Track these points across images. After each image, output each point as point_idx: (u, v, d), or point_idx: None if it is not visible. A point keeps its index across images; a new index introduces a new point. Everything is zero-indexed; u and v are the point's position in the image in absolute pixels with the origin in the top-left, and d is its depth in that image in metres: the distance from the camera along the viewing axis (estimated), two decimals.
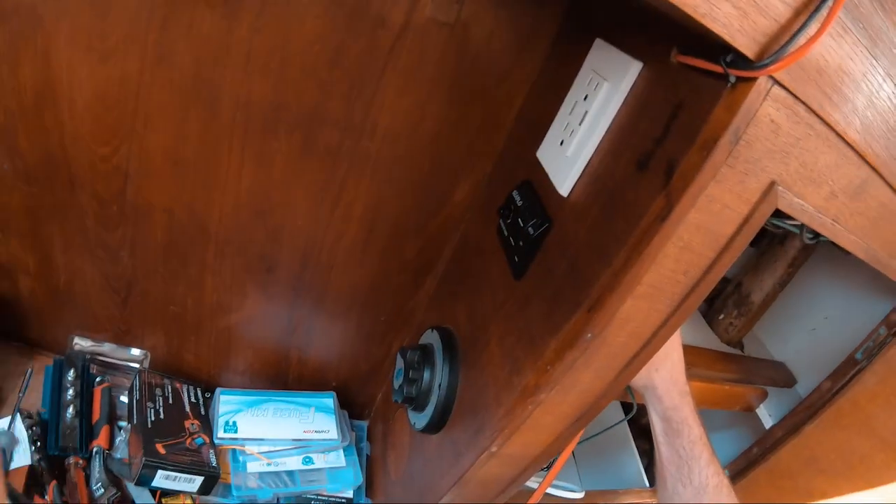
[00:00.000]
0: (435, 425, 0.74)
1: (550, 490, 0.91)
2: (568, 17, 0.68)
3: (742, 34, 0.35)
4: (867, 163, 0.48)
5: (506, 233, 0.67)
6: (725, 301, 0.98)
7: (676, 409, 0.63)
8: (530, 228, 0.60)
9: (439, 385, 0.73)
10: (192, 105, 0.71)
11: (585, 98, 0.55)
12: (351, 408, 1.10)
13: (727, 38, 0.35)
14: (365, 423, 1.09)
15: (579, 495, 0.93)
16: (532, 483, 0.91)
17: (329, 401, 1.00)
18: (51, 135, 0.71)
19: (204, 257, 0.86)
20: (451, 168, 0.81)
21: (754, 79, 0.37)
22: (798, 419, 0.83)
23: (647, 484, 1.06)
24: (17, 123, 0.70)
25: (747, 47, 0.36)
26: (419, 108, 0.74)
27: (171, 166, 0.76)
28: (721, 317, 0.98)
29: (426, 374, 0.75)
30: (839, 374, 0.81)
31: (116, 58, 0.66)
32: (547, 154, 0.62)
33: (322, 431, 0.94)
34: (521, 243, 0.62)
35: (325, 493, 0.94)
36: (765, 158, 0.42)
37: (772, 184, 0.44)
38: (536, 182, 0.65)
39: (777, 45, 0.36)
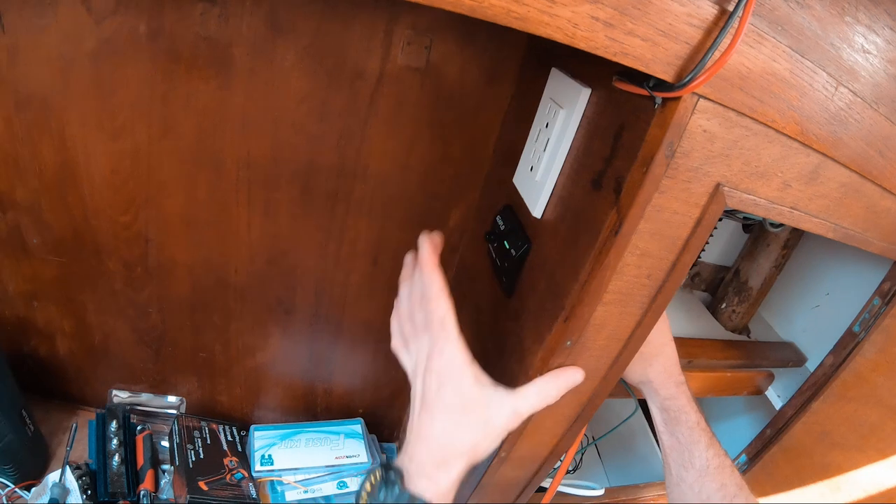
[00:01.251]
0: None
1: (570, 490, 0.92)
2: (529, 49, 0.72)
3: (656, 62, 0.38)
4: (814, 149, 0.50)
5: (493, 255, 0.70)
6: (726, 289, 1.00)
7: (673, 399, 0.65)
8: (513, 250, 0.63)
9: None
10: (198, 169, 0.76)
11: (547, 125, 0.59)
12: (380, 431, 1.13)
13: (642, 68, 0.38)
14: (394, 445, 1.13)
15: (599, 493, 0.94)
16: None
17: (357, 427, 1.03)
18: (74, 209, 0.77)
19: (226, 305, 0.91)
20: (441, 199, 0.84)
21: (679, 97, 0.40)
22: (805, 396, 0.84)
23: None
24: (41, 200, 0.76)
25: (664, 72, 0.39)
26: (404, 148, 0.78)
27: (187, 226, 0.82)
28: (724, 305, 0.99)
29: None
30: (840, 347, 0.81)
31: (125, 134, 0.72)
32: (521, 179, 0.65)
33: (353, 456, 0.98)
34: (506, 264, 0.65)
35: None
36: (706, 164, 0.45)
37: (717, 186, 0.46)
38: (516, 206, 0.68)
39: (693, 64, 0.39)
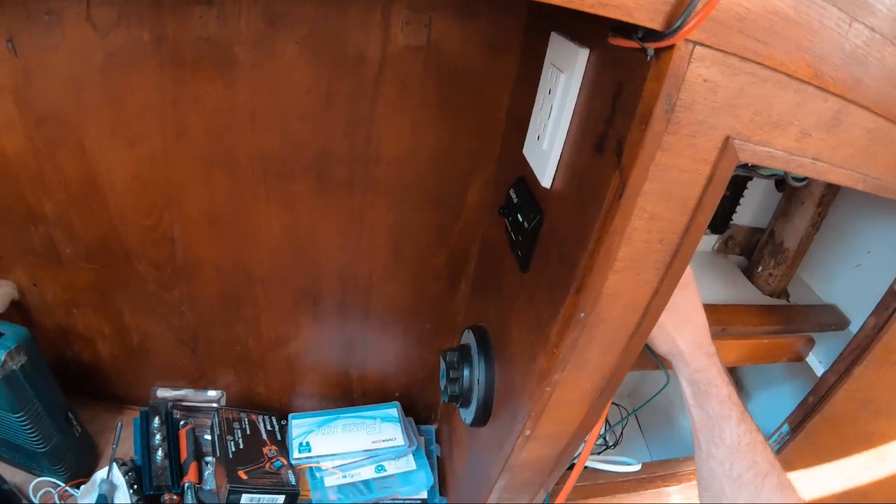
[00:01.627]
0: (480, 419, 0.76)
1: (603, 465, 0.91)
2: (530, 16, 0.69)
3: (640, 10, 0.36)
4: (832, 93, 0.46)
5: (509, 229, 0.68)
6: (761, 252, 0.95)
7: (703, 371, 0.62)
8: (525, 223, 0.62)
9: (478, 381, 0.75)
10: (214, 168, 0.77)
11: (549, 92, 0.56)
12: (417, 413, 1.14)
13: (627, 18, 0.36)
14: (432, 427, 1.13)
15: (635, 468, 0.92)
16: (591, 462, 0.91)
17: (393, 411, 1.04)
18: (100, 217, 0.79)
19: (255, 299, 0.92)
20: (458, 176, 0.83)
21: (671, 46, 0.38)
22: (847, 362, 0.79)
23: None
24: (69, 211, 0.79)
25: (650, 20, 0.36)
26: (415, 129, 0.77)
27: (210, 224, 0.83)
28: (759, 269, 0.95)
29: (465, 372, 0.77)
30: (882, 308, 0.76)
31: (141, 140, 0.73)
32: (530, 150, 0.64)
33: (389, 440, 0.98)
34: (521, 238, 0.64)
35: (399, 497, 0.98)
36: (711, 117, 0.42)
37: (727, 139, 0.44)
38: (527, 178, 0.66)
39: (682, 9, 0.37)
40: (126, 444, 0.98)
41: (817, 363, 0.87)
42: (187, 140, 0.74)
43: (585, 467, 0.89)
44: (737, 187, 0.93)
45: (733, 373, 1.18)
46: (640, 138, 0.41)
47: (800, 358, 0.89)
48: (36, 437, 0.83)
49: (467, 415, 0.79)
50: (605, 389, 0.61)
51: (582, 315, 0.51)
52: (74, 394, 0.97)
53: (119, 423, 0.99)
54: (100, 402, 1.04)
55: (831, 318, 0.90)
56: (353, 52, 0.70)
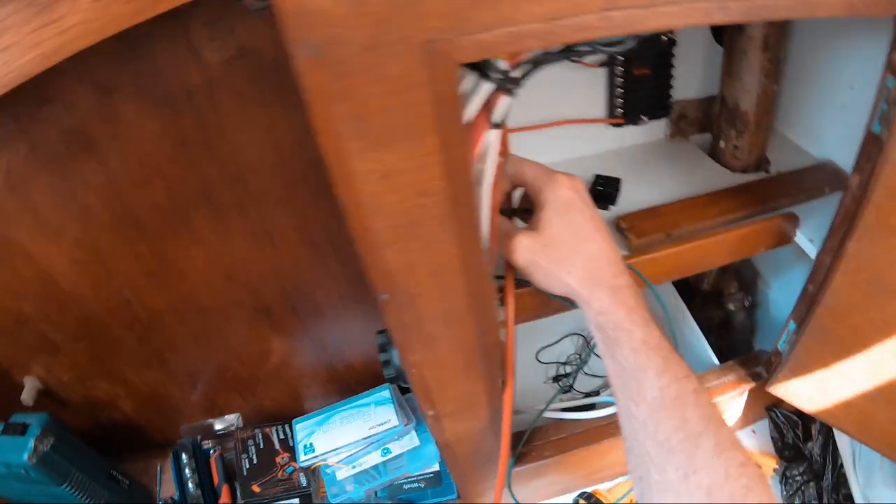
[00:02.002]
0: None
1: (585, 415, 0.83)
2: None
3: None
4: None
5: None
6: (719, 124, 0.79)
7: (607, 314, 0.50)
8: None
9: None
10: (127, 231, 0.79)
11: None
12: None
13: None
14: None
15: (613, 409, 0.84)
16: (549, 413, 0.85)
17: (385, 393, 1.03)
18: (67, 303, 0.84)
19: (216, 328, 0.95)
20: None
21: None
22: (839, 236, 0.63)
23: (717, 362, 0.92)
24: (44, 306, 0.85)
25: None
26: (270, 131, 0.74)
27: (147, 277, 0.86)
28: (722, 145, 0.79)
29: (394, 354, 0.73)
30: (863, 159, 0.60)
31: (64, 231, 0.77)
32: None
33: (384, 423, 0.98)
34: None
35: (411, 475, 0.98)
36: (382, 33, 0.32)
37: (427, 45, 0.34)
38: None
39: None
40: (169, 483, 1.06)
41: (807, 243, 0.72)
42: (96, 216, 0.76)
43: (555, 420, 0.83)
44: (658, 59, 0.77)
45: (749, 267, 1.03)
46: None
47: (787, 240, 0.74)
48: (87, 501, 0.92)
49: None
50: (486, 357, 0.54)
51: (385, 296, 0.45)
52: (119, 451, 1.07)
53: (159, 467, 1.09)
54: (142, 453, 1.14)
55: (823, 179, 0.74)
56: (179, 88, 0.67)
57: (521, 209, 0.63)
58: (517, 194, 0.64)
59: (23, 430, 0.85)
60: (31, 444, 0.83)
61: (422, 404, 0.59)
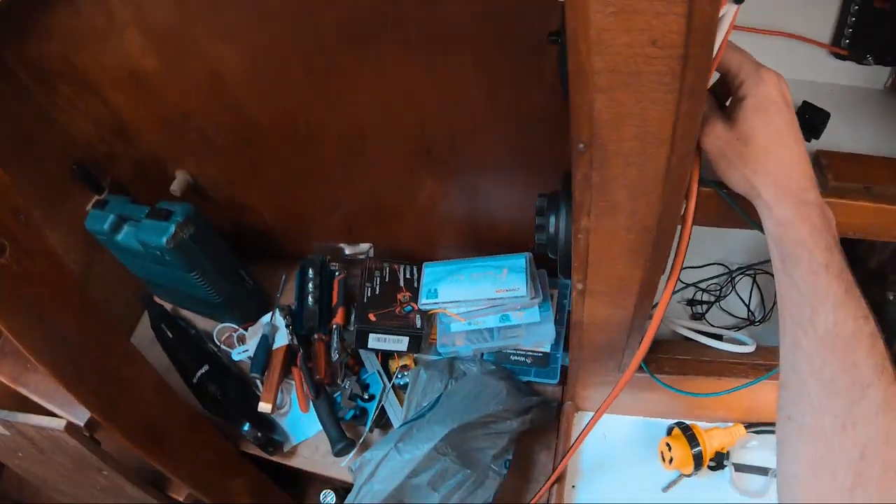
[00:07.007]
0: (564, 271, 0.74)
1: (717, 344, 0.80)
2: None
3: None
4: None
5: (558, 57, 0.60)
6: None
7: (790, 226, 0.47)
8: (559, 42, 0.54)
9: (561, 229, 0.73)
10: (307, 45, 0.83)
11: None
12: (553, 267, 1.14)
13: None
14: (569, 281, 1.13)
15: (749, 348, 0.80)
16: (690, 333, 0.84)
17: (521, 261, 1.06)
18: (231, 106, 0.93)
19: (374, 157, 1.00)
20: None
21: None
22: None
23: None
24: (207, 106, 0.94)
25: None
26: None
27: (317, 95, 0.91)
28: None
29: (552, 219, 0.75)
30: None
31: (242, 36, 0.83)
32: None
33: (512, 290, 1.02)
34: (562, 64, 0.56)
35: (522, 348, 1.04)
36: None
37: None
38: None
39: None
40: (290, 293, 1.22)
41: None
42: (276, 23, 0.81)
43: (687, 339, 0.82)
44: None
45: None
46: None
47: None
48: (211, 290, 1.09)
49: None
50: (657, 245, 0.53)
51: (581, 146, 0.45)
52: (251, 254, 1.23)
53: (283, 275, 1.24)
54: (273, 260, 1.30)
55: None
56: None
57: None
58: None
59: (167, 215, 0.99)
60: (172, 229, 0.97)
61: (574, 275, 0.61)
